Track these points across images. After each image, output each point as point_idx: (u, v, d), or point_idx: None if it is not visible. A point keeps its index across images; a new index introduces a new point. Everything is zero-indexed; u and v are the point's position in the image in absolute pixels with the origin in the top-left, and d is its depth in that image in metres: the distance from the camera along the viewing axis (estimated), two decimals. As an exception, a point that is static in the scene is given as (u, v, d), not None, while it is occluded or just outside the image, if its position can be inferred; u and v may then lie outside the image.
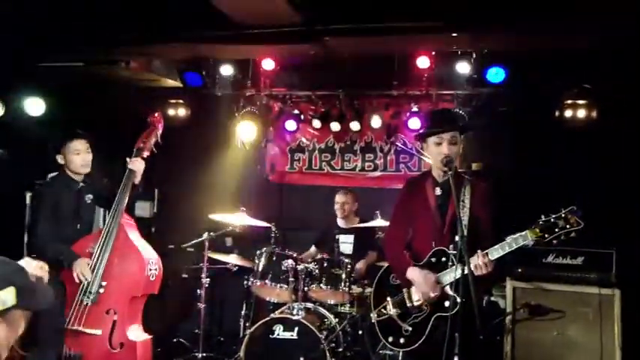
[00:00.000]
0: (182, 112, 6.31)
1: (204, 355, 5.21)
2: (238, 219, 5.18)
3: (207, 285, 5.22)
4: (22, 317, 1.98)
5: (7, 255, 2.08)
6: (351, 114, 5.94)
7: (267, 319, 4.57)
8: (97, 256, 3.84)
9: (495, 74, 5.13)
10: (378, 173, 6.21)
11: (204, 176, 6.23)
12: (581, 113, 5.28)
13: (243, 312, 5.36)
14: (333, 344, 4.58)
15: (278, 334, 4.49)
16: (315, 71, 5.68)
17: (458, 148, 3.22)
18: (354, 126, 5.93)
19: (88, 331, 3.75)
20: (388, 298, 3.38)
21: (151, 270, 4.00)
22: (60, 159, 4.02)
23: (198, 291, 5.23)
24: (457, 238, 2.92)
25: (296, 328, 4.48)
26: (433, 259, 3.22)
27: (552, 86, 5.29)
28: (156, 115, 4.28)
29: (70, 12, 4.31)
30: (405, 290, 3.31)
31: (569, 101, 5.32)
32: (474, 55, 5.14)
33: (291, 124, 6.03)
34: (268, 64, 5.67)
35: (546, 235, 2.92)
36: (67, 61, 5.23)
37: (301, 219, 6.13)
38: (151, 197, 6.36)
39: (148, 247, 4.12)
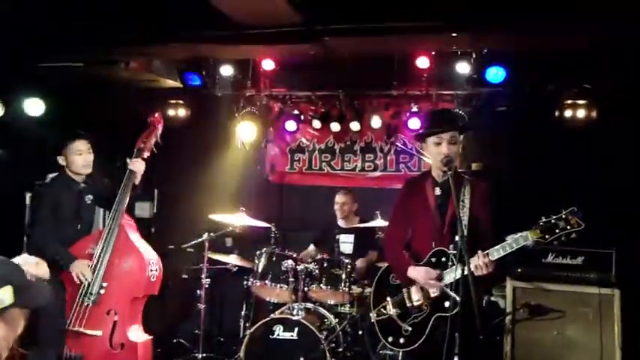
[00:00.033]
0: (182, 112, 6.30)
1: (205, 355, 5.20)
2: (238, 219, 5.18)
3: (207, 285, 5.21)
4: (21, 316, 1.98)
5: (7, 255, 2.08)
6: (351, 114, 5.93)
7: (267, 319, 4.57)
8: (97, 256, 3.84)
9: (495, 74, 5.14)
10: (378, 173, 6.21)
11: (204, 177, 6.23)
12: (581, 113, 5.28)
13: (243, 312, 5.36)
14: (333, 344, 4.57)
15: (278, 335, 4.49)
16: (315, 71, 5.68)
17: (457, 147, 3.22)
18: (354, 126, 5.92)
19: (88, 332, 3.76)
20: (388, 298, 3.38)
21: (151, 271, 4.01)
22: (61, 160, 4.02)
23: (198, 291, 5.23)
24: (457, 238, 2.92)
25: (296, 329, 4.47)
26: (433, 259, 3.22)
27: (552, 86, 5.29)
28: (156, 115, 4.28)
29: (70, 12, 4.31)
30: (404, 290, 3.31)
31: (569, 101, 5.31)
32: (474, 55, 5.15)
33: (291, 125, 6.03)
34: (268, 65, 5.67)
35: (547, 236, 2.93)
36: (67, 61, 5.23)
37: (301, 219, 6.13)
38: (150, 198, 6.36)
39: (148, 248, 4.12)
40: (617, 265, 4.33)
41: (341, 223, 5.59)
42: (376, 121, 5.85)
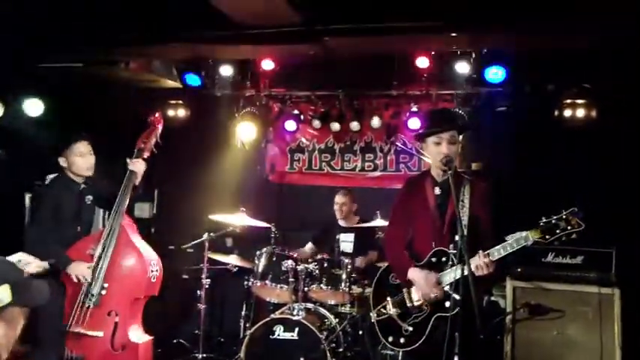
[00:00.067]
0: (182, 112, 6.30)
1: (205, 355, 5.21)
2: (238, 219, 5.18)
3: (207, 286, 5.22)
4: (21, 315, 1.99)
5: (6, 256, 2.08)
6: (351, 114, 5.94)
7: (268, 319, 4.57)
8: (98, 257, 3.84)
9: (495, 74, 5.14)
10: (378, 173, 6.22)
11: (204, 177, 6.23)
12: (581, 113, 5.28)
13: (243, 312, 5.36)
14: (334, 344, 4.57)
15: (278, 335, 4.49)
16: (314, 71, 5.68)
17: (457, 147, 3.23)
18: (354, 126, 5.93)
19: (89, 333, 3.75)
20: (388, 298, 3.38)
21: (152, 271, 4.00)
22: (62, 161, 4.01)
23: (199, 292, 5.23)
24: (457, 237, 2.93)
25: (296, 329, 4.48)
26: (433, 259, 3.23)
27: (552, 86, 5.29)
28: (156, 115, 4.28)
29: (70, 12, 4.31)
30: (405, 290, 3.31)
31: (569, 101, 5.31)
32: (474, 55, 5.15)
33: (290, 125, 6.03)
34: (268, 65, 5.67)
35: (547, 237, 2.94)
36: (67, 61, 5.23)
37: (301, 219, 6.13)
38: (150, 198, 6.36)
39: (149, 249, 4.12)
40: (617, 264, 4.33)
41: (341, 222, 5.60)
42: (376, 121, 5.86)
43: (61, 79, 5.63)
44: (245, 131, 6.03)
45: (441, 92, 5.63)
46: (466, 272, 2.81)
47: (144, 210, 6.28)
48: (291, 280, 4.68)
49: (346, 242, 5.41)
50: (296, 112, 6.06)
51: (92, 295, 3.78)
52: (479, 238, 3.09)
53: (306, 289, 4.73)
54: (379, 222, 5.06)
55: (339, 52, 5.06)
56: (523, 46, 4.81)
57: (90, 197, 4.11)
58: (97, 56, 5.23)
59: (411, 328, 3.24)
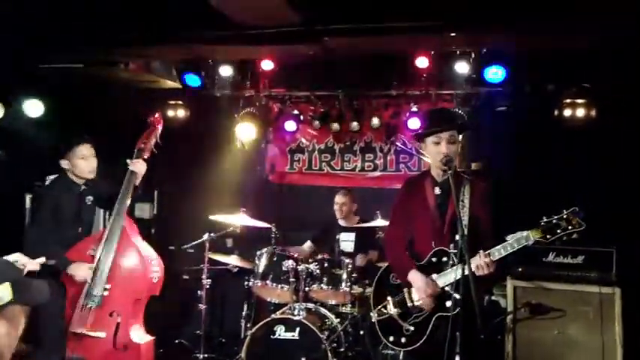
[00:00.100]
0: (181, 113, 6.30)
1: (206, 356, 5.21)
2: (238, 220, 5.17)
3: (208, 286, 5.21)
4: (22, 313, 1.99)
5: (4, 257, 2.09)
6: (351, 114, 5.94)
7: (269, 319, 4.57)
8: (100, 258, 3.84)
9: (495, 74, 5.14)
10: (377, 173, 6.22)
11: (204, 177, 6.23)
12: (581, 112, 5.28)
13: (244, 313, 5.35)
14: (335, 344, 4.57)
15: (279, 335, 4.49)
16: (314, 71, 5.68)
17: (456, 147, 3.23)
18: (354, 126, 5.93)
19: (91, 333, 3.76)
20: (389, 298, 3.38)
21: (153, 272, 4.01)
22: (64, 164, 4.02)
23: (199, 292, 5.23)
24: (457, 237, 2.92)
25: (297, 329, 4.47)
26: (434, 259, 3.23)
27: (552, 86, 5.29)
28: (156, 115, 4.29)
29: (70, 12, 4.31)
30: (405, 290, 3.31)
31: (568, 100, 5.31)
32: (473, 55, 5.15)
33: (290, 125, 6.03)
34: (267, 65, 5.66)
35: (548, 236, 2.94)
36: (67, 61, 5.23)
37: (301, 219, 6.12)
38: (150, 198, 6.36)
39: (150, 249, 4.13)
40: (618, 263, 4.33)
41: (341, 222, 5.60)
42: (376, 121, 5.86)
43: (61, 79, 5.63)
44: (245, 131, 6.03)
45: (440, 92, 5.63)
46: (467, 272, 2.81)
47: (144, 210, 6.28)
48: (291, 280, 4.68)
49: (347, 242, 5.41)
50: (296, 112, 6.06)
51: (94, 296, 3.78)
52: (479, 237, 3.09)
53: (306, 289, 4.72)
54: (379, 222, 5.06)
55: (339, 52, 5.06)
56: (523, 46, 4.81)
57: (90, 198, 4.11)
58: (97, 56, 5.23)
59: (412, 328, 3.24)
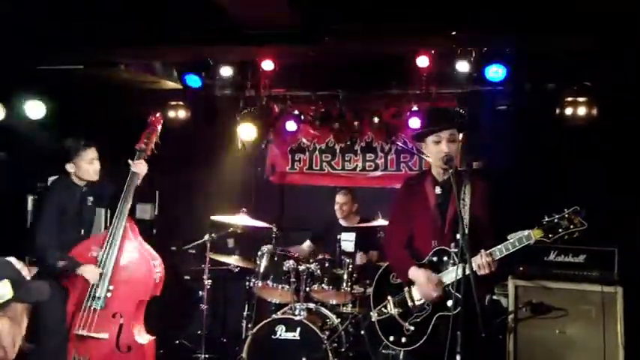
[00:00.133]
0: (182, 113, 6.29)
1: (207, 356, 5.21)
2: (239, 220, 5.17)
3: (209, 286, 5.22)
4: (24, 312, 1.99)
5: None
6: (351, 114, 5.93)
7: (270, 319, 4.57)
8: (103, 260, 3.84)
9: (495, 72, 5.13)
10: (378, 173, 6.21)
11: (204, 178, 6.23)
12: (582, 111, 5.26)
13: (245, 313, 5.35)
14: (336, 344, 4.58)
15: (280, 335, 4.49)
16: (315, 71, 5.67)
17: (457, 145, 3.22)
18: (355, 126, 5.92)
19: (94, 335, 3.77)
20: (389, 297, 3.37)
21: (155, 273, 4.01)
22: (70, 167, 4.02)
23: (200, 292, 5.24)
24: (458, 236, 2.92)
25: (298, 329, 4.48)
26: (434, 258, 3.22)
27: (553, 85, 5.28)
28: (156, 115, 4.29)
29: (70, 12, 4.32)
30: (406, 289, 3.30)
31: (570, 99, 5.30)
32: (474, 54, 5.13)
33: (291, 125, 6.02)
34: (268, 65, 5.65)
35: (550, 236, 2.93)
36: (67, 62, 5.23)
37: (302, 219, 6.12)
38: (151, 199, 6.36)
39: (151, 250, 4.13)
40: (620, 262, 4.32)
41: (342, 222, 5.60)
42: (376, 121, 5.85)
43: (62, 80, 5.63)
44: (245, 132, 6.02)
45: (441, 91, 5.61)
46: (468, 271, 2.80)
47: (145, 211, 6.27)
48: (292, 280, 4.68)
49: (347, 242, 5.40)
50: (296, 112, 6.05)
51: (98, 298, 3.79)
52: (479, 237, 3.08)
53: (307, 289, 4.73)
54: (380, 222, 5.05)
55: (339, 52, 5.06)
56: (523, 46, 4.80)
57: (91, 198, 4.13)
58: (97, 57, 5.23)
59: (412, 328, 3.23)
